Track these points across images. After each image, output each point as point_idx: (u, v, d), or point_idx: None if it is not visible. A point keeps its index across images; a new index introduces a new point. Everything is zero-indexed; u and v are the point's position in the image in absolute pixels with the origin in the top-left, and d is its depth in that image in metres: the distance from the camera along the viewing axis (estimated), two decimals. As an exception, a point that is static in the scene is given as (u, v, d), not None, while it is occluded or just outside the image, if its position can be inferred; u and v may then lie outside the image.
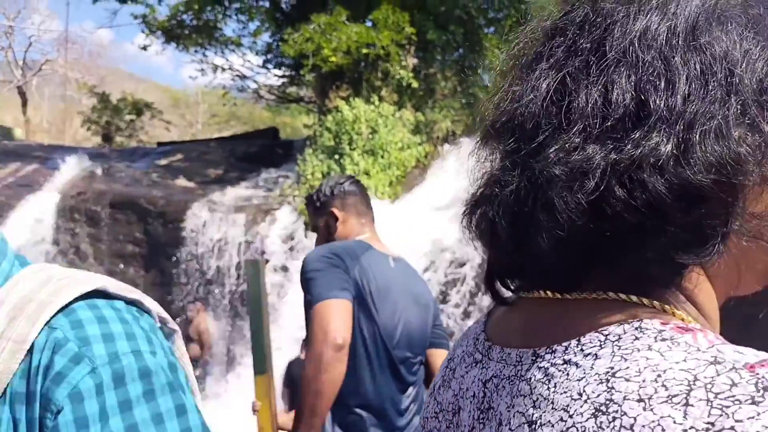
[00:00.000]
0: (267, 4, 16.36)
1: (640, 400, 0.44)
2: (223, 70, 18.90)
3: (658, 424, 0.43)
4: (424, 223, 10.07)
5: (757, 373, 0.43)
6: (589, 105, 0.50)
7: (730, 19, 0.51)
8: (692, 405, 0.43)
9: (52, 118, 28.99)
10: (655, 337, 0.47)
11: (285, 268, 10.42)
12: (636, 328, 0.49)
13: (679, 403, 0.43)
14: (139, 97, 23.14)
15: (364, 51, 12.34)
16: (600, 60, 0.51)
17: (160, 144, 18.58)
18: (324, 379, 1.84)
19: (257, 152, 15.52)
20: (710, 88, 0.48)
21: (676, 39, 0.49)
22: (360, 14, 12.99)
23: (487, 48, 13.99)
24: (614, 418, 0.45)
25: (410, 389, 2.12)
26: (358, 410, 2.01)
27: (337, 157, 11.81)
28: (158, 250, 11.25)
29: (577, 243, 0.49)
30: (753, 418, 0.40)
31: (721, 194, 0.47)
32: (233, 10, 16.70)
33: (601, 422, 0.45)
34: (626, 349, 0.47)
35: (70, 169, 13.46)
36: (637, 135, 0.48)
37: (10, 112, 26.31)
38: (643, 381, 0.45)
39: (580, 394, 0.47)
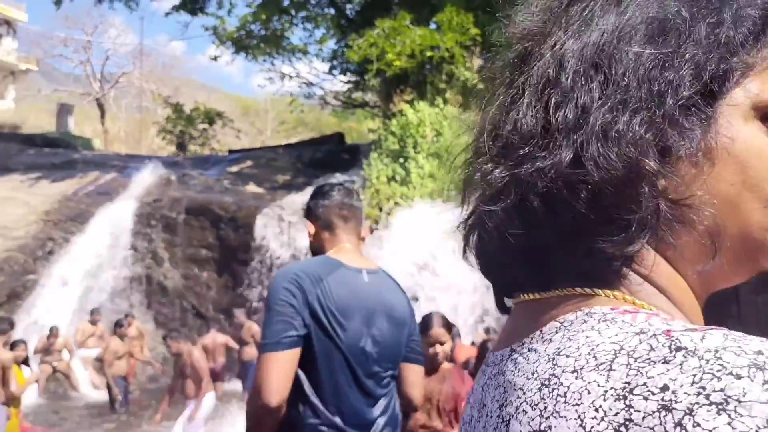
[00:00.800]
0: (332, 12, 16.60)
1: (573, 371, 0.50)
2: (291, 77, 19.29)
3: (585, 389, 0.49)
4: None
5: (672, 337, 0.47)
6: (561, 119, 0.55)
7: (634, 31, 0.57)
8: (614, 369, 0.48)
9: (129, 129, 30.22)
10: (599, 320, 0.53)
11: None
12: (586, 314, 0.54)
13: (604, 369, 0.48)
14: (211, 106, 23.86)
15: (429, 54, 12.34)
16: (523, 87, 0.59)
17: (231, 151, 19.09)
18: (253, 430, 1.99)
19: (323, 158, 15.73)
20: (603, 98, 0.54)
21: (583, 61, 0.56)
22: (424, 17, 13.01)
23: (554, 47, 13.77)
24: (553, 389, 0.51)
25: (381, 402, 2.14)
26: (322, 427, 2.05)
27: (402, 160, 11.84)
28: (230, 254, 11.55)
29: (537, 247, 0.56)
30: (663, 374, 0.45)
31: (624, 188, 0.52)
32: (300, 18, 17.03)
33: (543, 394, 0.52)
34: (573, 331, 0.53)
35: (147, 177, 13.98)
36: (544, 151, 0.54)
37: (90, 123, 27.57)
38: (579, 355, 0.51)
39: (533, 374, 0.54)
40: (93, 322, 11.43)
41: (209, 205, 12.36)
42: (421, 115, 12.00)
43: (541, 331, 0.56)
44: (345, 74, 18.71)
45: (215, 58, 17.28)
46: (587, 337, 0.52)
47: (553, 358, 0.53)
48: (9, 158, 15.23)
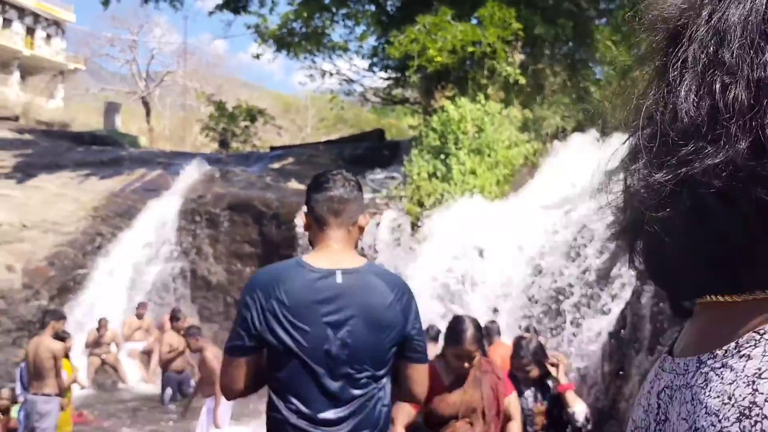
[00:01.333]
0: (373, 8, 16.60)
1: None
2: (331, 75, 19.38)
3: None
4: (533, 223, 9.87)
5: None
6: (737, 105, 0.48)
7: None
8: None
9: (173, 126, 30.79)
10: None
11: (395, 267, 10.52)
12: None
13: None
14: (253, 104, 24.14)
15: (470, 49, 12.26)
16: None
17: (272, 148, 19.30)
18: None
19: (364, 154, 15.78)
20: None
21: (749, 30, 0.48)
22: (465, 12, 12.92)
23: (599, 40, 13.53)
24: (755, 422, 0.43)
25: (353, 402, 2.13)
26: (284, 424, 2.12)
27: (443, 156, 11.80)
28: (273, 250, 11.67)
29: (737, 247, 0.49)
30: None
31: None
32: (340, 15, 17.08)
33: (744, 426, 0.44)
34: None
35: (191, 173, 14.22)
36: (714, 144, 0.47)
37: (135, 121, 28.17)
38: None
39: (730, 398, 0.47)
40: (139, 316, 11.70)
41: (252, 201, 12.51)
42: (463, 111, 11.93)
43: (737, 343, 0.49)
44: (385, 71, 18.72)
45: (257, 56, 17.45)
46: None
47: (754, 381, 0.46)
48: (59, 155, 15.66)
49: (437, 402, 3.46)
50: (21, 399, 7.58)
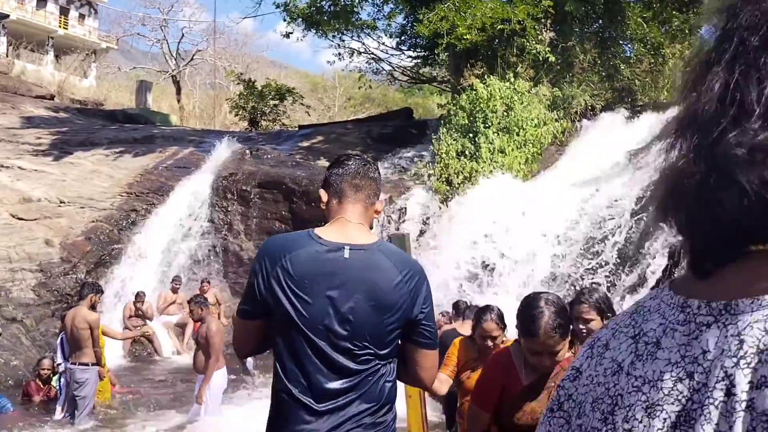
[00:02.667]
0: (402, -14, 16.53)
1: None
2: (359, 53, 19.39)
3: None
4: (561, 202, 9.89)
5: None
6: (764, 96, 0.60)
7: None
8: None
9: (203, 105, 31.08)
10: None
11: (425, 244, 10.64)
12: None
13: None
14: (281, 83, 24.27)
15: (500, 27, 12.20)
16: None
17: (301, 127, 19.44)
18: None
19: (392, 133, 15.83)
20: None
21: None
22: (495, -10, 12.84)
23: (630, 18, 13.36)
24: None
25: (354, 377, 2.12)
26: (282, 393, 2.16)
27: (471, 135, 11.82)
28: (303, 227, 11.80)
29: (759, 210, 0.60)
30: None
31: None
32: (369, -7, 17.05)
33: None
34: None
35: (222, 151, 14.43)
36: None
37: (166, 99, 28.50)
38: None
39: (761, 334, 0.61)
40: (174, 290, 12.00)
41: (282, 179, 12.69)
42: (492, 89, 11.92)
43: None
44: (413, 50, 18.68)
45: (287, 35, 17.53)
46: None
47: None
48: (93, 133, 15.98)
49: (510, 409, 2.77)
50: (61, 368, 7.87)
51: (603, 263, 8.38)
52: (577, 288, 8.33)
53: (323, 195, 2.33)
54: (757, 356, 0.59)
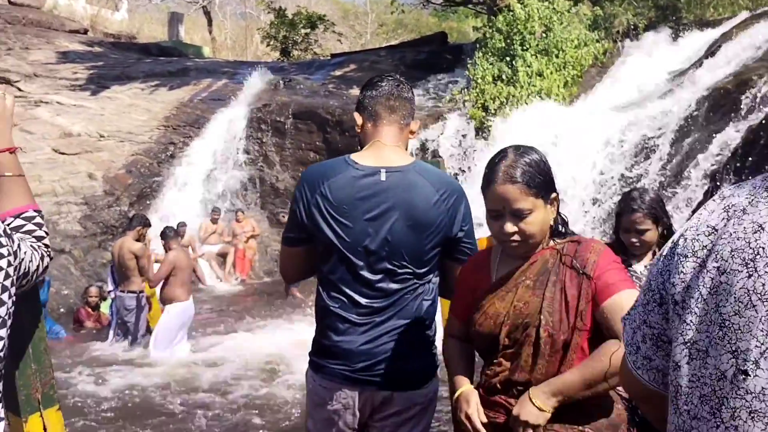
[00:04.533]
0: None
1: None
2: (391, -24, 18.78)
3: None
4: (602, 125, 9.66)
5: None
6: None
7: None
8: None
9: (235, 36, 30.75)
10: None
11: (461, 171, 10.59)
12: None
13: None
14: (312, 10, 23.80)
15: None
16: None
17: (333, 56, 19.16)
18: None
19: (426, 59, 15.52)
20: None
21: None
22: None
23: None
24: None
25: (392, 296, 2.19)
26: (324, 309, 2.26)
27: (508, 59, 11.51)
28: (338, 156, 11.87)
29: None
30: None
31: None
32: None
33: None
34: None
35: (255, 83, 14.36)
36: None
37: (198, 31, 28.25)
38: None
39: None
40: (213, 221, 12.24)
41: (315, 109, 12.62)
42: (530, 9, 11.52)
43: None
44: (448, -30, 18.06)
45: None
46: None
47: None
48: (128, 67, 16.01)
49: (476, 314, 2.04)
50: (112, 296, 8.19)
51: (646, 180, 8.23)
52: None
53: (358, 118, 2.32)
54: None
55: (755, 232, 0.89)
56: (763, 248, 0.86)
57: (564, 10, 11.61)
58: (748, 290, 0.85)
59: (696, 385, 0.90)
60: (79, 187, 11.67)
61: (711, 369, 0.87)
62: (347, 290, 2.19)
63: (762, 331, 0.82)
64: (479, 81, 11.54)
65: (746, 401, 0.82)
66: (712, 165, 7.53)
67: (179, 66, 16.48)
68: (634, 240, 2.96)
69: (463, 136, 11.19)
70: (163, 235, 7.51)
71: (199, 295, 10.69)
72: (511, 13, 11.73)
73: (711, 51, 10.05)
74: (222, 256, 12.06)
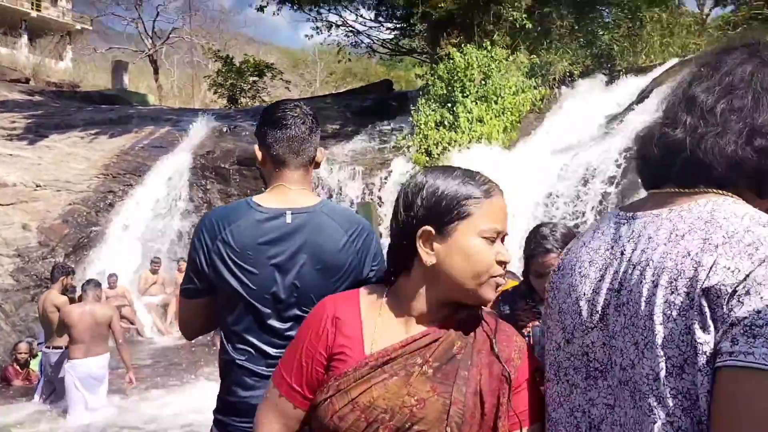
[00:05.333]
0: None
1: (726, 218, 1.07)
2: (338, 26, 19.13)
3: (739, 225, 1.06)
4: (542, 169, 9.84)
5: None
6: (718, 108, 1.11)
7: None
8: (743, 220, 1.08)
9: (182, 84, 30.69)
10: (732, 202, 1.11)
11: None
12: (722, 199, 1.12)
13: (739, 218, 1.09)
14: (260, 59, 23.96)
15: (475, -6, 12.05)
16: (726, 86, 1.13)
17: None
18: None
19: (372, 106, 15.70)
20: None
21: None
22: (470, -44, 12.66)
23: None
24: (716, 225, 1.07)
25: None
26: (231, 364, 2.10)
27: (450, 105, 11.72)
28: (281, 202, 11.77)
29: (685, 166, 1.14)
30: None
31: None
32: (344, -36, 16.78)
33: (691, 239, 1.06)
34: (720, 204, 1.12)
35: (200, 129, 14.25)
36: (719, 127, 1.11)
37: (144, 79, 28.11)
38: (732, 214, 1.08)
39: (698, 218, 1.08)
40: (154, 271, 11.92)
41: (260, 155, 12.55)
42: (469, 58, 11.80)
43: (686, 205, 1.11)
44: (391, 21, 18.45)
45: (261, 9, 17.25)
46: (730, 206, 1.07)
47: (711, 215, 1.06)
48: (69, 115, 15.73)
49: (333, 398, 1.37)
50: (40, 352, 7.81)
51: (580, 228, 8.35)
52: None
53: (258, 153, 2.18)
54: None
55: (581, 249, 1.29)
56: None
57: (502, 58, 11.92)
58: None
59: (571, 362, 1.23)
60: (12, 239, 11.26)
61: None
62: (254, 341, 2.06)
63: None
64: (422, 127, 11.70)
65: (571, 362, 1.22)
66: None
67: (121, 113, 16.27)
68: (539, 280, 2.58)
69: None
70: (82, 287, 7.14)
71: (137, 348, 10.31)
72: (451, 62, 11.99)
73: (643, 96, 10.43)
74: (163, 307, 11.72)
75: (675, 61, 11.78)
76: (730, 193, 1.09)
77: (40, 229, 11.59)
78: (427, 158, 11.23)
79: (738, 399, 0.91)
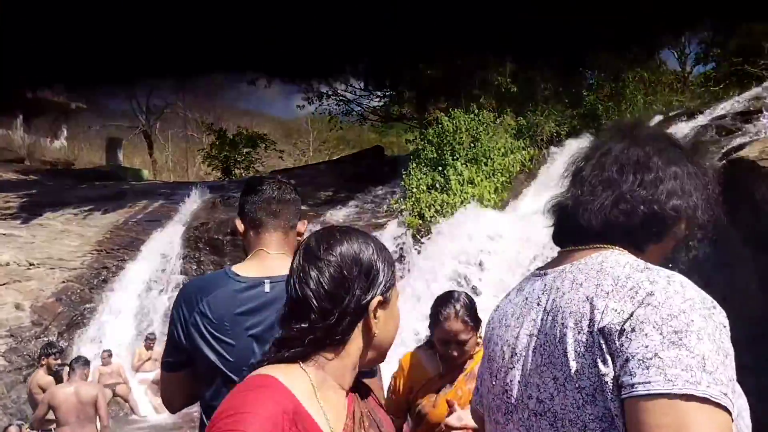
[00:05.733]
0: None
1: (616, 271, 1.26)
2: (329, 96, 19.54)
3: (625, 277, 1.25)
4: (533, 229, 9.87)
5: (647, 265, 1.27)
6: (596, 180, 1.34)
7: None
8: (629, 272, 1.25)
9: (176, 158, 31.05)
10: (618, 253, 1.32)
11: (400, 277, 10.53)
12: (611, 252, 1.31)
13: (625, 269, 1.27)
14: (253, 130, 24.32)
15: (460, 61, 12.37)
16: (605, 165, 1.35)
17: (274, 172, 19.41)
18: None
19: (364, 171, 15.85)
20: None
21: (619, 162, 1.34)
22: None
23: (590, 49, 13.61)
24: (607, 273, 1.26)
25: None
26: None
27: (440, 168, 11.85)
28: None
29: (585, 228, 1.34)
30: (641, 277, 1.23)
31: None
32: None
33: (596, 289, 1.24)
34: (607, 256, 1.31)
35: (193, 202, 14.34)
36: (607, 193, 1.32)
37: (139, 155, 28.44)
38: (618, 265, 1.27)
39: (598, 272, 1.25)
40: (148, 347, 11.73)
41: (254, 225, 12.57)
42: (457, 122, 12.02)
43: (583, 260, 1.30)
44: (380, 89, 18.86)
45: (253, 82, 17.64)
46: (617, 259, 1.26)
47: (601, 265, 1.26)
48: (63, 193, 15.82)
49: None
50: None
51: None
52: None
53: (239, 225, 2.18)
54: None
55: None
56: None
57: (489, 121, 12.14)
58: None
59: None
60: (4, 319, 11.13)
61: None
62: None
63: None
64: (414, 190, 11.80)
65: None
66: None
67: (115, 190, 16.38)
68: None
69: (402, 244, 11.26)
70: (70, 365, 6.95)
71: (130, 427, 10.07)
72: (440, 126, 12.20)
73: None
74: (157, 383, 11.49)
75: (659, 117, 12.00)
76: (617, 247, 1.29)
77: (33, 308, 11.48)
78: (420, 221, 11.28)
79: (647, 423, 1.07)
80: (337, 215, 13.12)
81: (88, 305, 11.91)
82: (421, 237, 10.98)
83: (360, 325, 1.28)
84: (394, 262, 1.36)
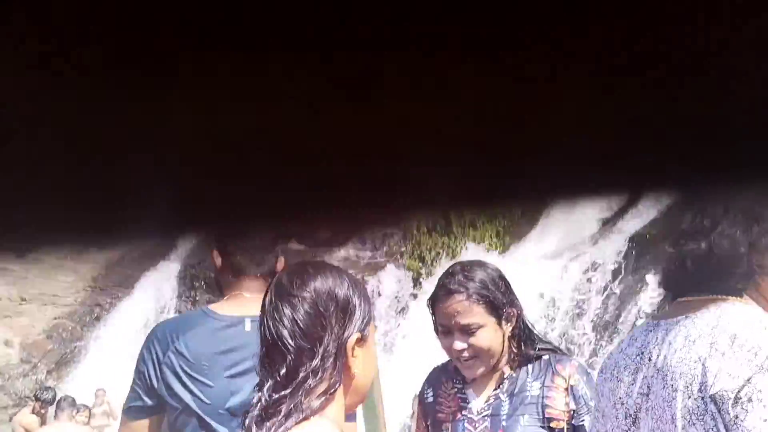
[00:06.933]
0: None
1: (736, 327, 1.14)
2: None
3: (749, 335, 1.14)
4: (537, 273, 9.75)
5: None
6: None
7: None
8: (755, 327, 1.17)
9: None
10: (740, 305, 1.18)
11: (396, 325, 10.39)
12: (731, 305, 1.16)
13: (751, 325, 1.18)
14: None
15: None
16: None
17: (272, 211, 19.41)
18: None
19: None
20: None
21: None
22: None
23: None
24: (723, 330, 1.14)
25: None
26: None
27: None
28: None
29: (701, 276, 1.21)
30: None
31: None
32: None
33: (708, 344, 1.12)
34: (726, 308, 1.17)
35: (188, 239, 14.20)
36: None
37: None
38: (739, 319, 1.15)
39: (715, 327, 1.14)
40: (140, 387, 11.49)
41: (252, 264, 12.45)
42: (459, 164, 11.98)
43: (706, 309, 1.17)
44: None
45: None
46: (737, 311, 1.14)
47: (717, 320, 1.13)
48: (60, 225, 15.72)
49: None
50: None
51: (582, 333, 8.19)
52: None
53: (216, 258, 2.01)
54: None
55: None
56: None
57: (492, 163, 12.12)
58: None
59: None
60: (-8, 356, 10.92)
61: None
62: None
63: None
64: (415, 232, 11.70)
65: None
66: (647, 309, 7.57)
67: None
68: (459, 347, 1.69)
69: (401, 286, 11.16)
70: (57, 405, 6.80)
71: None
72: (441, 168, 12.16)
73: (634, 199, 10.50)
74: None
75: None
76: (740, 298, 1.16)
77: (23, 345, 11.27)
78: (421, 264, 11.15)
79: None
80: (337, 256, 12.99)
81: (78, 343, 11.71)
82: (422, 280, 10.85)
83: (338, 365, 1.16)
84: (369, 297, 1.23)
